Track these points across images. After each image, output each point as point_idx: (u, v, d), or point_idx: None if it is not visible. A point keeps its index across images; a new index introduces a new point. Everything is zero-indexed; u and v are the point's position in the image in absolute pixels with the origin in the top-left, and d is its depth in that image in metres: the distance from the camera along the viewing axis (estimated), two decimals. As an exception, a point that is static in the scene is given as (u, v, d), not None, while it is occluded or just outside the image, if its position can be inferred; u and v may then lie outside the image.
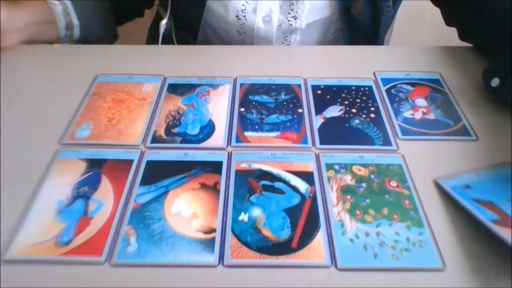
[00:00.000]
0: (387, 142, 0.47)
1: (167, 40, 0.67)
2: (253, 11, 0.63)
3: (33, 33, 0.60)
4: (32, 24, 0.59)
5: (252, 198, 0.41)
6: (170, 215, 0.39)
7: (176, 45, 0.68)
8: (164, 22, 0.64)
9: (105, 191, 0.41)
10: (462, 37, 0.63)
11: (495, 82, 0.50)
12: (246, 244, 0.37)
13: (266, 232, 0.38)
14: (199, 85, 0.54)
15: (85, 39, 0.64)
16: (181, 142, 0.46)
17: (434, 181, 0.42)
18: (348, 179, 0.42)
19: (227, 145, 0.46)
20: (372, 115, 0.50)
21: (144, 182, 0.42)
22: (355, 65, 0.58)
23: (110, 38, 0.70)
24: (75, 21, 0.62)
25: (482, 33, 0.58)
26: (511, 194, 0.40)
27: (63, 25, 0.61)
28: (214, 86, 0.54)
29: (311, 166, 0.44)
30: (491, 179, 0.42)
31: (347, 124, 0.49)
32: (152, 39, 0.79)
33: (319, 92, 0.54)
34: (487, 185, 0.41)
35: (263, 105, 0.52)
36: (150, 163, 0.44)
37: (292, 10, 0.63)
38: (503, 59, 0.51)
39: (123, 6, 0.73)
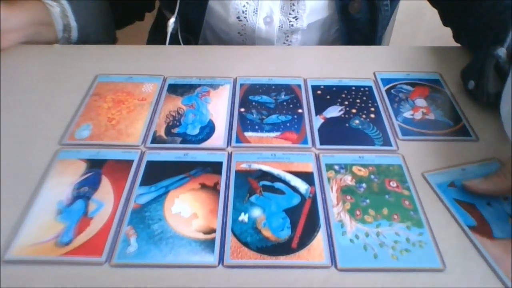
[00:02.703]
0: (387, 142, 0.47)
1: (173, 40, 0.67)
2: (254, 12, 0.63)
3: (30, 34, 0.60)
4: (29, 24, 0.59)
5: (252, 198, 0.41)
6: (170, 216, 0.39)
7: (176, 45, 0.68)
8: (172, 21, 0.64)
9: (105, 191, 0.41)
10: (456, 38, 0.63)
11: (471, 84, 0.51)
12: (246, 244, 0.37)
13: (266, 233, 0.38)
14: (199, 85, 0.54)
15: (83, 41, 0.64)
16: (181, 142, 0.47)
17: (422, 174, 0.43)
18: (348, 180, 0.42)
19: (227, 146, 0.46)
20: (372, 116, 0.50)
21: (144, 182, 0.42)
22: (355, 65, 0.58)
23: (109, 40, 0.70)
24: (73, 23, 0.62)
25: (469, 34, 0.58)
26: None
27: (60, 26, 0.61)
28: (214, 86, 0.54)
29: (311, 167, 0.44)
30: (477, 177, 0.42)
31: (347, 125, 0.49)
32: (153, 42, 0.79)
33: (319, 92, 0.54)
34: None
35: (263, 105, 0.52)
36: (150, 164, 0.44)
37: (293, 10, 0.63)
38: (477, 60, 0.51)
39: (123, 9, 0.73)
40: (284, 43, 0.67)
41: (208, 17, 0.66)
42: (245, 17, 0.63)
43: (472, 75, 0.51)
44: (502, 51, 0.47)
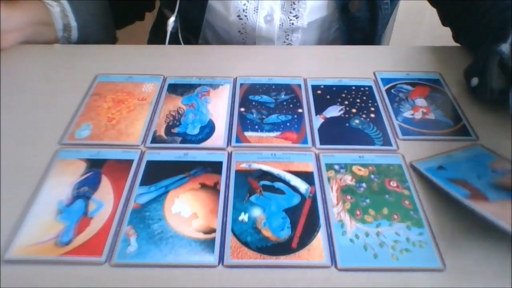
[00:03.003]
0: (387, 142, 0.47)
1: (173, 39, 0.67)
2: (254, 10, 0.63)
3: (30, 34, 0.60)
4: (29, 24, 0.59)
5: (252, 198, 0.41)
6: (170, 215, 0.39)
7: (176, 45, 0.68)
8: (172, 20, 0.64)
9: (105, 191, 0.41)
10: (455, 38, 0.63)
11: (474, 81, 0.50)
12: (246, 244, 0.37)
13: (266, 232, 0.38)
14: (199, 85, 0.54)
15: (83, 41, 0.64)
16: (181, 142, 0.46)
17: (410, 163, 0.43)
18: (348, 179, 0.42)
19: (227, 145, 0.46)
20: (372, 115, 0.50)
21: (144, 182, 0.42)
22: (355, 65, 0.58)
23: (108, 40, 0.70)
24: (73, 23, 0.62)
25: (469, 33, 0.58)
26: (482, 169, 0.42)
27: (60, 26, 0.61)
28: (214, 86, 0.54)
29: (311, 166, 0.44)
30: (463, 159, 0.43)
31: (347, 124, 0.49)
32: (153, 42, 0.79)
33: (319, 92, 0.54)
34: (459, 165, 0.43)
35: (263, 105, 0.52)
36: (150, 163, 0.44)
37: (293, 9, 0.63)
38: (480, 57, 0.51)
39: (123, 9, 0.73)
40: (284, 41, 0.67)
41: (208, 16, 0.66)
42: (245, 16, 0.63)
43: (475, 72, 0.50)
44: (505, 47, 0.47)
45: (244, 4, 0.62)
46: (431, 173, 0.42)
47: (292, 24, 0.64)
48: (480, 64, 0.49)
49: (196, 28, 0.67)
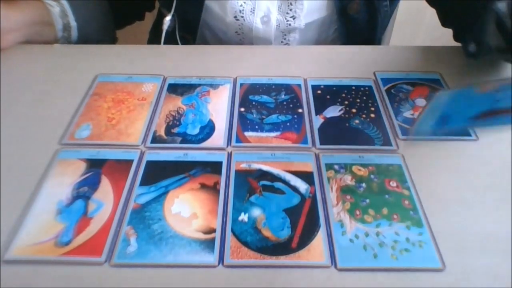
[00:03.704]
0: (387, 142, 0.47)
1: (170, 39, 0.67)
2: (251, 11, 0.63)
3: (30, 34, 0.60)
4: (28, 24, 0.59)
5: (252, 198, 0.41)
6: (170, 215, 0.39)
7: (176, 45, 0.68)
8: (168, 19, 0.64)
9: (105, 191, 0.41)
10: (456, 37, 0.63)
11: (472, 47, 0.50)
12: (246, 244, 0.37)
13: (266, 232, 0.38)
14: (199, 85, 0.54)
15: (83, 41, 0.64)
16: (181, 142, 0.46)
17: (408, 136, 0.40)
18: (348, 179, 0.42)
19: (227, 145, 0.46)
20: (372, 115, 0.50)
21: (144, 182, 0.42)
22: (355, 65, 0.58)
23: (108, 40, 0.70)
24: (73, 23, 0.62)
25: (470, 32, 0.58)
26: (481, 99, 0.37)
27: (60, 26, 0.61)
28: (214, 86, 0.54)
29: (311, 166, 0.44)
30: (452, 103, 0.38)
31: (347, 124, 0.49)
32: (153, 42, 0.79)
33: (319, 92, 0.54)
34: (460, 106, 0.38)
35: (263, 105, 0.52)
36: (150, 163, 0.44)
37: (290, 10, 0.63)
38: (475, 21, 0.50)
39: (123, 8, 0.73)
40: (282, 41, 0.67)
41: (206, 16, 0.66)
42: (242, 17, 0.63)
43: (473, 37, 0.49)
44: (502, 5, 0.46)
45: (241, 5, 0.62)
46: (440, 127, 0.36)
47: (289, 25, 0.63)
48: (476, 28, 0.48)
49: (193, 28, 0.67)
